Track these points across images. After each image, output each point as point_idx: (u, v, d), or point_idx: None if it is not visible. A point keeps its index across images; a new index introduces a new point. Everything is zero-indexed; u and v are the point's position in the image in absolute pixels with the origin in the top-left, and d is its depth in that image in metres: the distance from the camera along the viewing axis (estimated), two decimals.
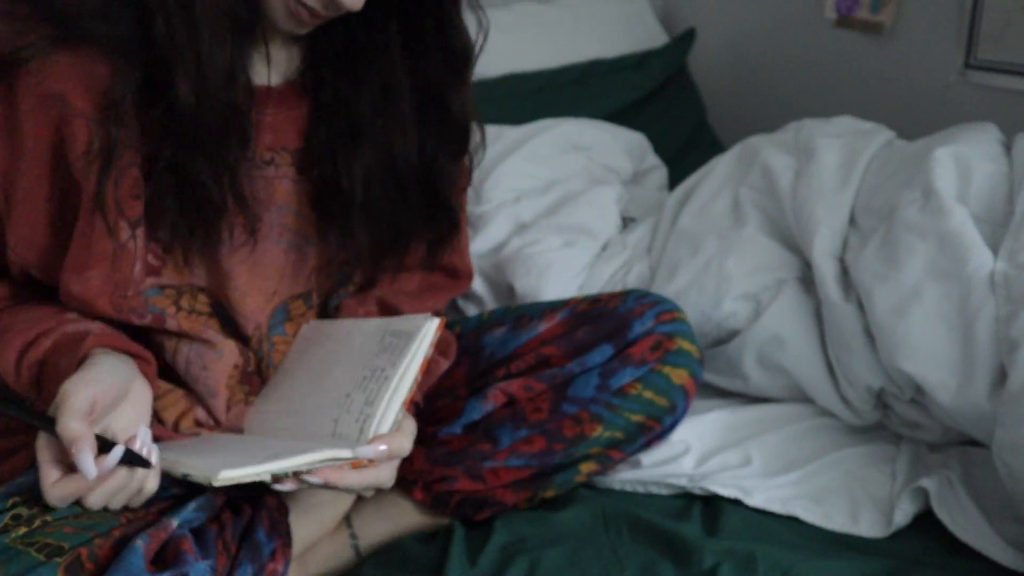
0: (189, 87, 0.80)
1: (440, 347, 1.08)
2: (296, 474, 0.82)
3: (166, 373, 0.94)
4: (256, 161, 0.92)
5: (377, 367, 0.90)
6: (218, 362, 0.95)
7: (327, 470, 0.83)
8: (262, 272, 0.95)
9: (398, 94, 0.95)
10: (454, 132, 1.00)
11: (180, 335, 0.93)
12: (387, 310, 1.06)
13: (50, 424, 0.76)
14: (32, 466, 0.87)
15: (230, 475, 0.78)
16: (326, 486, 0.84)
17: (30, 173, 0.83)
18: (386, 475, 0.90)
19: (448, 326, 1.17)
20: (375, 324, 0.95)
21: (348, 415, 0.88)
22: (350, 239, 0.98)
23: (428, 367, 1.05)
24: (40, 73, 0.81)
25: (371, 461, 0.86)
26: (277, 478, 0.81)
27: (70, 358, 0.82)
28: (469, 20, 0.95)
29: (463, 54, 0.95)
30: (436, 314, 1.09)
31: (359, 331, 0.95)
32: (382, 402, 0.87)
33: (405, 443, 0.89)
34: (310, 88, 0.95)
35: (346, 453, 0.85)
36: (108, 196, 0.83)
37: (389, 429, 0.87)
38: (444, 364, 1.07)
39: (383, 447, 0.86)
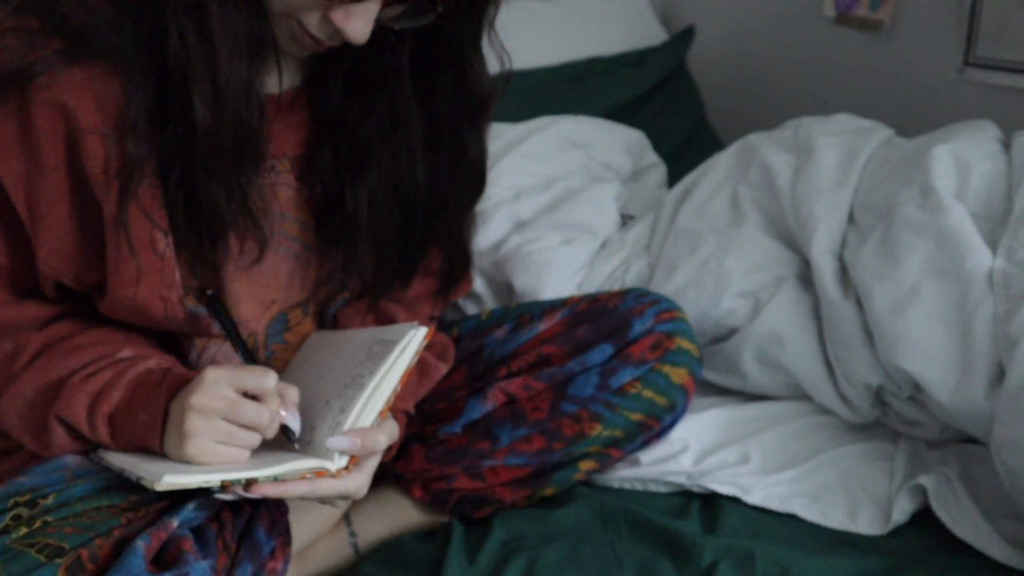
0: (205, 106, 0.80)
1: (438, 351, 1.08)
2: (248, 483, 0.82)
3: None
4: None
5: (357, 375, 0.89)
6: (236, 361, 0.95)
7: (266, 485, 0.82)
8: (260, 280, 0.95)
9: (408, 122, 0.93)
10: (470, 176, 0.99)
11: (212, 336, 0.94)
12: (384, 318, 1.06)
13: (249, 356, 0.89)
14: (31, 467, 0.87)
15: (173, 480, 0.78)
16: (267, 499, 0.84)
17: (51, 186, 0.83)
18: (353, 484, 0.88)
19: (447, 328, 1.17)
20: (368, 334, 0.95)
21: (323, 423, 0.87)
22: (354, 259, 0.98)
23: (427, 372, 1.05)
24: (51, 87, 0.81)
25: (337, 473, 0.85)
26: (228, 486, 0.81)
27: (152, 407, 0.84)
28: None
29: (482, 99, 0.94)
30: (432, 319, 1.09)
31: (352, 341, 0.95)
32: (354, 410, 0.86)
33: (380, 438, 0.87)
34: (312, 96, 0.94)
35: (311, 463, 0.84)
36: (134, 211, 0.83)
37: None
38: (443, 368, 1.07)
39: (357, 439, 0.85)
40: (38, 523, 0.79)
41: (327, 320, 1.03)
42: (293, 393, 0.87)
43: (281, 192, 0.94)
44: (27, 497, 0.82)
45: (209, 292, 0.89)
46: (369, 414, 0.87)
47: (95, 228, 0.85)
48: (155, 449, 0.85)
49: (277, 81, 0.89)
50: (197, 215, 0.86)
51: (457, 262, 1.06)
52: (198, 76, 0.79)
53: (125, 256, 0.84)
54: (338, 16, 0.80)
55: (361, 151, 0.94)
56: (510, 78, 0.95)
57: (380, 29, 0.84)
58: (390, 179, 0.96)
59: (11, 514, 0.80)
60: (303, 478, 0.84)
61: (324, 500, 0.89)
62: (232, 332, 0.89)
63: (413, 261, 1.02)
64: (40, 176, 0.83)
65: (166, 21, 0.79)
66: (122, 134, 0.82)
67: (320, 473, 0.84)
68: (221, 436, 0.83)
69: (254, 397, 0.84)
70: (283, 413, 0.85)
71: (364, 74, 0.92)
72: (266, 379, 0.83)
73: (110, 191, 0.83)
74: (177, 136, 0.82)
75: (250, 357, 0.89)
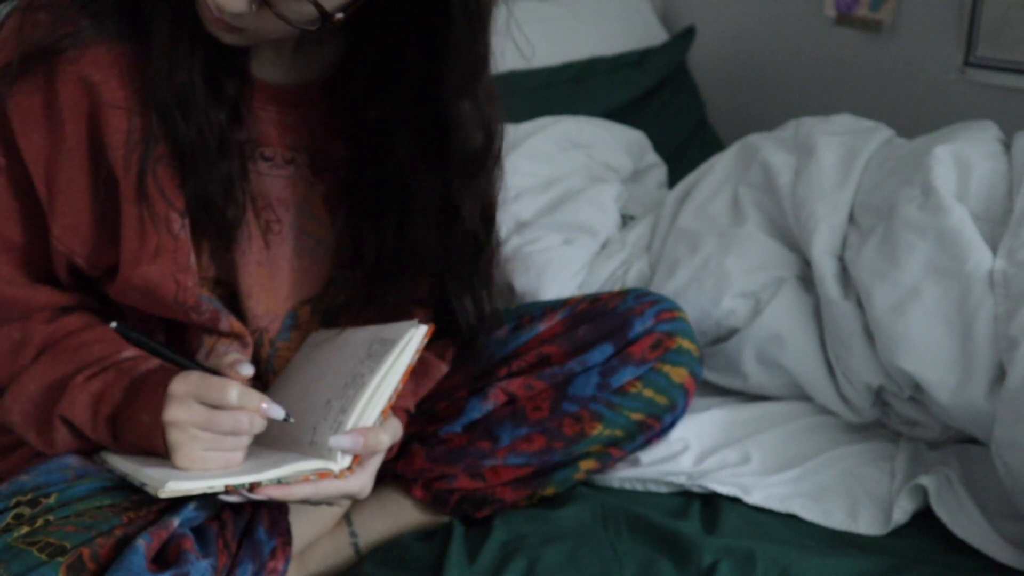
0: (150, 74, 0.82)
1: (437, 351, 1.08)
2: (252, 486, 0.81)
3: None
4: (276, 160, 0.92)
5: (358, 374, 0.88)
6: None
7: (270, 488, 0.82)
8: (277, 274, 0.95)
9: (414, 180, 0.92)
10: (466, 242, 0.96)
11: (222, 333, 0.93)
12: (389, 317, 1.05)
13: (194, 364, 0.86)
14: (34, 465, 0.87)
15: (177, 487, 0.78)
16: (271, 501, 0.84)
17: (71, 161, 0.84)
18: (357, 484, 0.88)
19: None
20: (368, 332, 0.94)
21: (325, 423, 0.87)
22: (374, 296, 0.98)
23: (427, 371, 1.05)
24: (78, 62, 0.82)
25: (340, 473, 0.85)
26: (232, 490, 0.81)
27: (153, 409, 0.83)
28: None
29: (474, 159, 0.91)
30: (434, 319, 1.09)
31: (353, 339, 0.94)
32: (356, 410, 0.86)
33: (383, 437, 0.87)
34: (332, 91, 0.94)
35: (314, 464, 0.84)
36: (152, 189, 0.84)
37: None
38: (443, 368, 1.07)
39: (359, 438, 0.85)
40: (40, 522, 0.79)
41: (331, 319, 1.03)
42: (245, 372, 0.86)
43: (299, 185, 0.94)
44: (29, 496, 0.82)
45: (114, 325, 0.86)
46: (371, 413, 0.86)
47: (112, 206, 0.85)
48: (159, 452, 0.85)
49: (275, 69, 0.90)
50: (198, 199, 0.86)
51: (469, 329, 1.02)
52: (150, 47, 0.81)
53: (140, 233, 0.85)
54: None
55: (366, 201, 0.94)
56: (502, 142, 0.93)
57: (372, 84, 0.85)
58: (404, 237, 0.95)
59: (13, 513, 0.80)
60: (307, 479, 0.84)
61: (328, 501, 0.89)
62: (157, 352, 0.88)
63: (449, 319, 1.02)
64: (61, 150, 0.84)
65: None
66: (147, 109, 0.83)
67: (323, 474, 0.84)
68: (206, 445, 0.82)
69: None
70: (264, 406, 0.84)
71: (366, 123, 0.92)
72: (226, 393, 0.82)
73: (130, 164, 0.83)
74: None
75: (187, 367, 0.87)
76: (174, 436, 0.82)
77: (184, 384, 0.83)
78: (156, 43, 0.81)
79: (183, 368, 0.86)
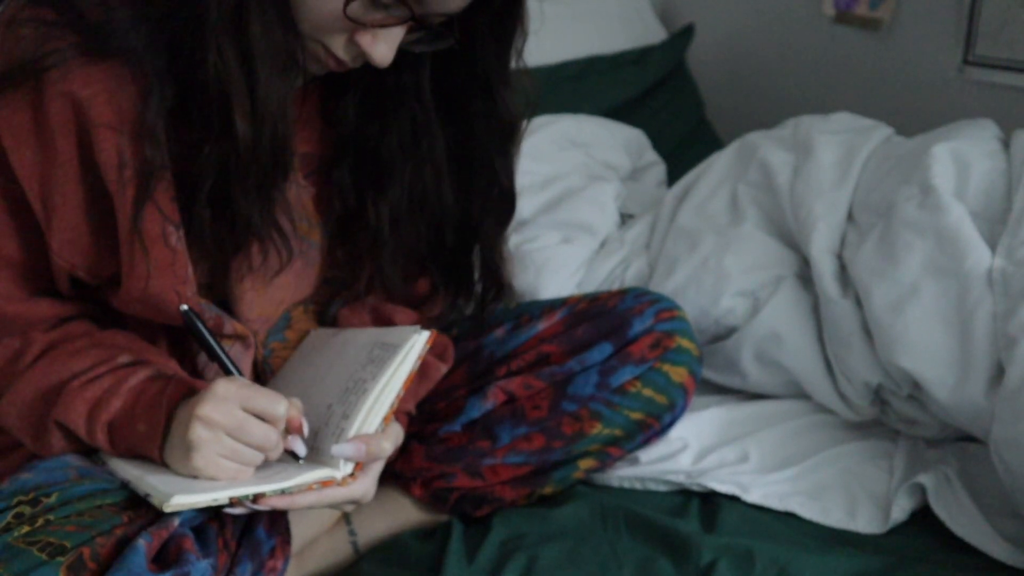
0: (245, 121, 0.80)
1: (437, 351, 1.08)
2: (256, 497, 0.81)
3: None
4: None
5: (359, 379, 0.88)
6: (246, 361, 0.96)
7: (274, 498, 0.82)
8: (272, 279, 0.95)
9: (430, 140, 0.94)
10: (501, 200, 1.01)
11: (224, 336, 0.93)
12: (380, 319, 1.06)
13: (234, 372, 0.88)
14: (34, 464, 0.87)
15: (182, 501, 0.78)
16: (274, 510, 0.84)
17: (64, 177, 0.83)
18: (360, 489, 0.88)
19: (446, 328, 1.17)
20: (368, 335, 0.94)
21: (326, 428, 0.87)
22: (380, 273, 0.99)
23: (427, 371, 1.05)
24: (65, 80, 0.80)
25: (343, 480, 0.85)
26: (236, 502, 0.81)
27: (152, 418, 0.84)
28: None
29: (511, 126, 0.97)
30: (430, 322, 1.09)
31: (353, 342, 0.94)
32: (358, 417, 0.85)
33: (385, 444, 0.87)
34: (318, 93, 0.94)
35: (318, 474, 0.84)
36: (147, 208, 0.83)
37: None
38: (443, 368, 1.07)
39: (362, 446, 0.85)
40: (40, 521, 0.79)
41: (325, 321, 1.03)
42: (298, 411, 0.86)
43: (291, 190, 0.94)
44: (31, 496, 0.82)
45: (184, 308, 0.87)
46: (373, 420, 0.86)
47: (108, 219, 0.85)
48: (154, 459, 0.85)
49: (305, 82, 0.91)
50: (224, 227, 0.86)
51: (489, 285, 1.06)
52: (238, 92, 0.80)
53: (138, 251, 0.84)
54: (364, 39, 0.81)
55: (381, 166, 0.94)
56: (536, 107, 0.98)
57: (399, 50, 0.85)
58: (414, 196, 0.96)
59: (13, 512, 0.80)
60: (310, 488, 0.84)
61: (332, 506, 0.89)
62: (212, 349, 0.88)
63: (459, 276, 1.04)
64: (53, 167, 0.83)
65: (204, 37, 0.79)
66: (139, 138, 0.81)
67: (327, 482, 0.84)
68: (226, 451, 0.82)
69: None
70: (288, 438, 0.85)
71: (382, 89, 0.93)
72: (277, 406, 0.83)
73: (125, 191, 0.82)
74: (213, 152, 0.82)
75: (234, 372, 0.88)
76: (199, 432, 0.81)
77: (233, 386, 0.83)
78: (262, 75, 0.80)
79: (227, 372, 0.87)
